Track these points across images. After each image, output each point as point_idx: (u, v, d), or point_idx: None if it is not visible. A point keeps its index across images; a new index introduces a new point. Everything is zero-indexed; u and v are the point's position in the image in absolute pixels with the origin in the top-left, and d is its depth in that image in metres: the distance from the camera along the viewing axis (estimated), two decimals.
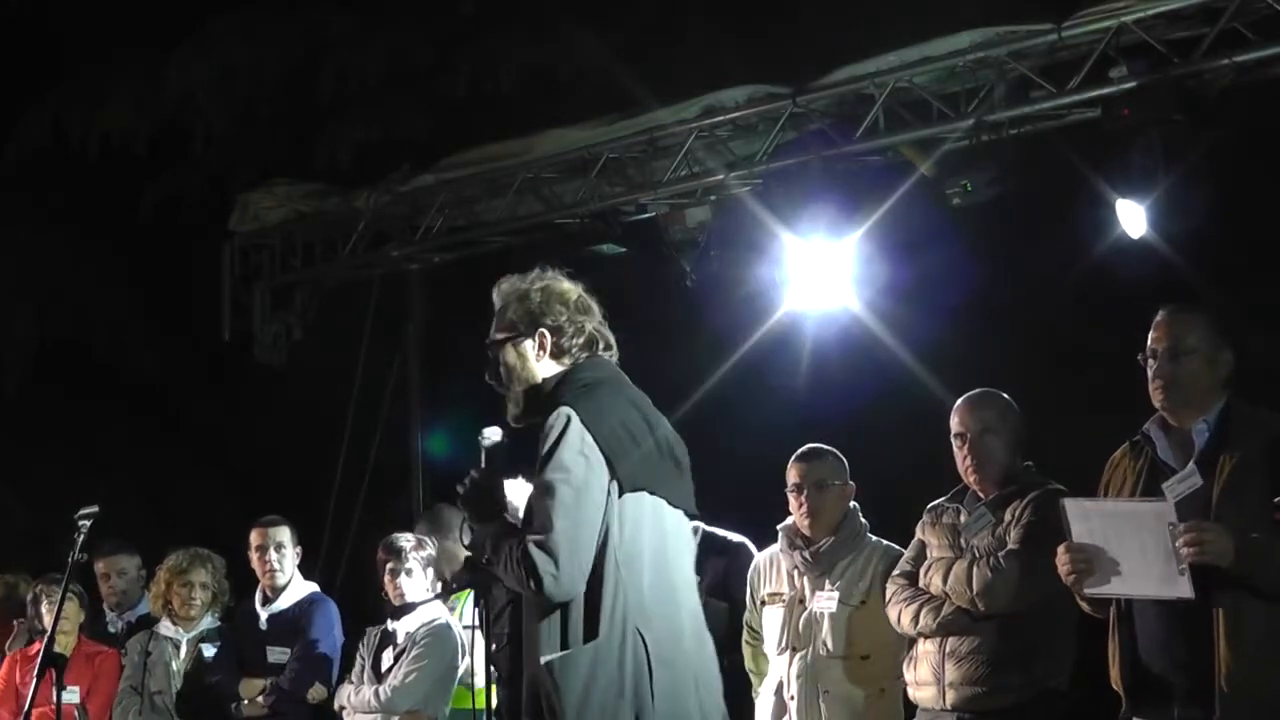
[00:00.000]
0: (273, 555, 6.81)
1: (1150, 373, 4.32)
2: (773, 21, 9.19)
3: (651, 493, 3.92)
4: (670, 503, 3.99)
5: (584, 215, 8.14)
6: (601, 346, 4.10)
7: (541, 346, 4.09)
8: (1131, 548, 4.09)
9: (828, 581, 5.54)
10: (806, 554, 5.59)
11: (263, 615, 6.83)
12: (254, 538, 6.87)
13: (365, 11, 10.77)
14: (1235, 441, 4.17)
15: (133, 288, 12.06)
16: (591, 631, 3.80)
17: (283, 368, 9.50)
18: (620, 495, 3.85)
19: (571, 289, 4.14)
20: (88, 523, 6.33)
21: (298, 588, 6.89)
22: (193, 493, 11.62)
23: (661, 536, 3.94)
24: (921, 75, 7.10)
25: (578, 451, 3.83)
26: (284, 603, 6.82)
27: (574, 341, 4.06)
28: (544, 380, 4.07)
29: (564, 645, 3.81)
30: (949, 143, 7.09)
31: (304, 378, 9.65)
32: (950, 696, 5.07)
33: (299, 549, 6.97)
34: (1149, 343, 4.35)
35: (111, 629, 7.58)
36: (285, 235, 9.38)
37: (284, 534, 6.88)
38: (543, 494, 3.82)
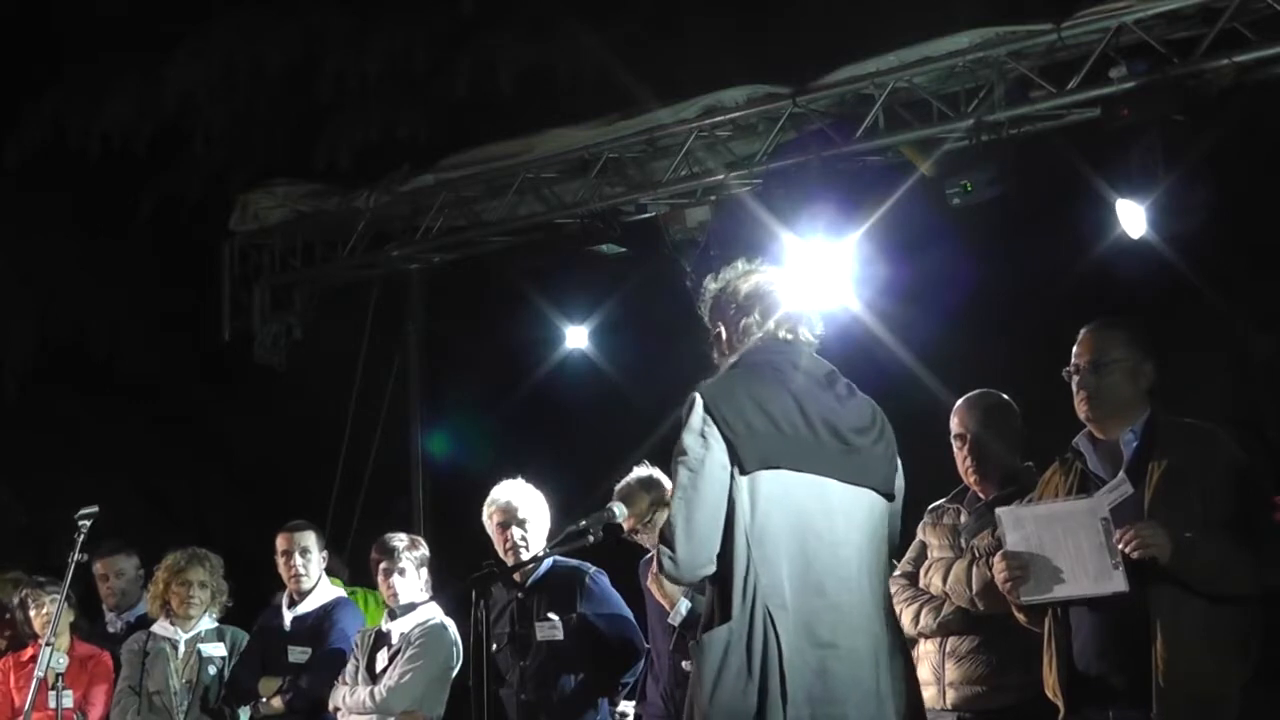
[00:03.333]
0: (298, 560, 6.81)
1: (1074, 386, 4.45)
2: (773, 21, 9.19)
3: (797, 469, 3.90)
4: (841, 479, 3.96)
5: (584, 215, 8.14)
6: (784, 332, 4.09)
7: (719, 345, 4.17)
8: (1066, 548, 4.22)
9: None
10: None
11: (287, 617, 6.84)
12: (280, 542, 6.87)
13: (365, 11, 10.77)
14: (1162, 449, 4.31)
15: (133, 288, 12.06)
16: (726, 612, 3.82)
17: (283, 368, 9.50)
18: (746, 473, 3.85)
19: (752, 281, 4.16)
20: (88, 523, 6.34)
21: (323, 591, 6.89)
22: (192, 493, 11.62)
23: (818, 514, 3.92)
24: (921, 75, 7.11)
25: (697, 433, 3.87)
26: (308, 606, 6.82)
27: (747, 333, 4.10)
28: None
29: (707, 628, 3.86)
30: (949, 143, 7.09)
31: (304, 378, 9.65)
32: (950, 696, 5.07)
33: (325, 553, 6.97)
34: (1073, 358, 4.48)
35: (111, 629, 7.57)
36: (285, 235, 9.39)
37: (310, 539, 6.88)
38: (671, 479, 3.90)
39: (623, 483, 5.63)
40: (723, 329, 4.15)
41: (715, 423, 3.86)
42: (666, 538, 3.84)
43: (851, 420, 4.02)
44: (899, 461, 4.13)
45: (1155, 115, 6.39)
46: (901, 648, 4.04)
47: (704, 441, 3.85)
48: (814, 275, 7.40)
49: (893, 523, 4.13)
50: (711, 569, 3.84)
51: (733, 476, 3.85)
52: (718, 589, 3.86)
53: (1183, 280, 7.19)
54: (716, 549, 3.83)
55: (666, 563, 3.84)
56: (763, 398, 3.92)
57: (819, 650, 3.82)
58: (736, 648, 3.80)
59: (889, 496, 4.06)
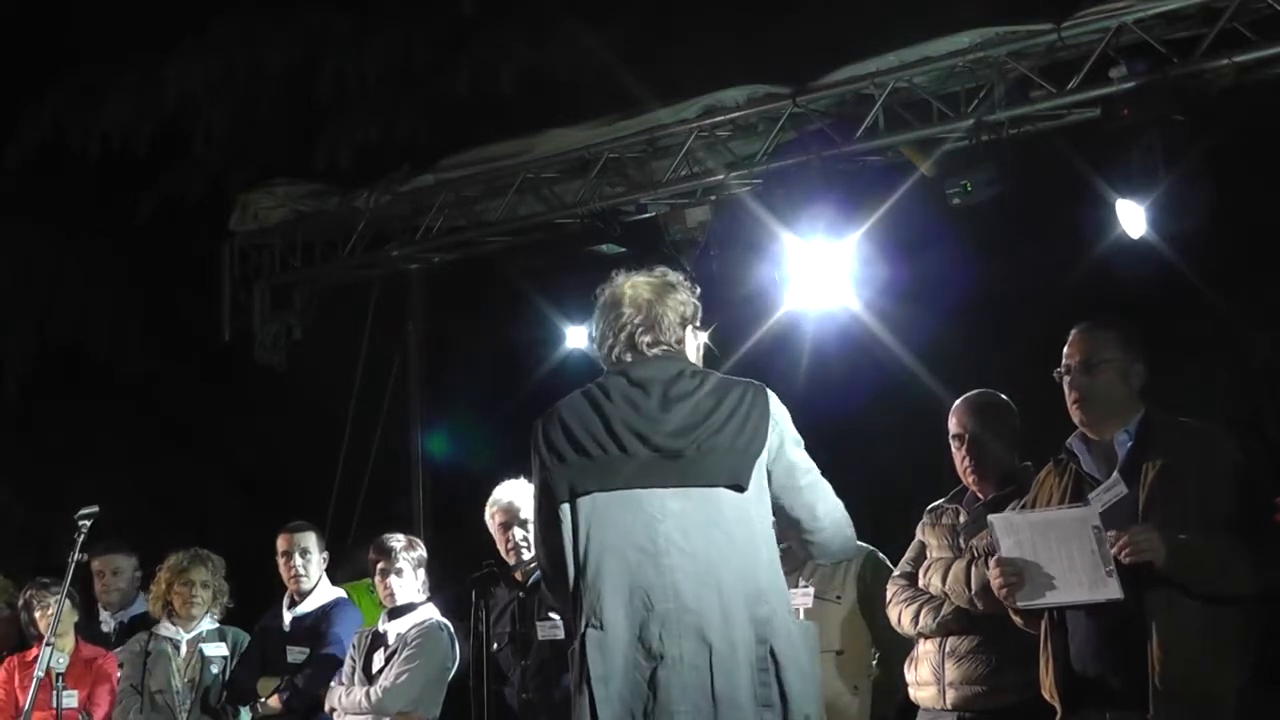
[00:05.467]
0: (298, 560, 6.82)
1: (1066, 388, 4.46)
2: (773, 21, 9.19)
3: (611, 489, 3.93)
4: (663, 486, 3.92)
5: (584, 215, 8.14)
6: (632, 347, 4.05)
7: (602, 358, 4.16)
8: (1059, 556, 4.23)
9: (801, 579, 5.54)
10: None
11: (287, 618, 6.85)
12: (280, 543, 6.88)
13: (365, 11, 10.78)
14: (1156, 449, 4.31)
15: (133, 288, 12.07)
16: None
17: (283, 368, 9.50)
18: (562, 502, 3.97)
19: (615, 292, 4.12)
20: (88, 523, 6.35)
21: (323, 592, 6.90)
22: (193, 493, 11.63)
23: (636, 528, 3.91)
24: (921, 75, 7.11)
25: (532, 470, 4.09)
26: (308, 606, 6.83)
27: (610, 348, 4.10)
28: None
29: None
30: (949, 143, 7.09)
31: (304, 378, 9.65)
32: (950, 696, 5.07)
33: (325, 554, 6.98)
34: (1063, 359, 4.49)
35: (105, 628, 7.57)
36: (285, 235, 9.38)
37: (310, 539, 6.89)
38: None
39: None
40: (595, 346, 4.17)
41: (535, 458, 4.03)
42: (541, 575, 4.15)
43: (672, 424, 3.95)
44: (768, 441, 3.96)
45: (1155, 115, 6.38)
46: (765, 641, 3.89)
47: (535, 478, 4.07)
48: (814, 275, 7.42)
49: (758, 510, 3.98)
50: (565, 593, 4.00)
51: (556, 510, 3.98)
52: None
53: (1183, 280, 7.19)
54: (565, 578, 3.98)
55: (545, 589, 4.20)
56: (572, 425, 3.99)
57: (650, 662, 3.85)
58: (570, 671, 3.97)
59: (738, 488, 3.94)
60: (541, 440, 4.00)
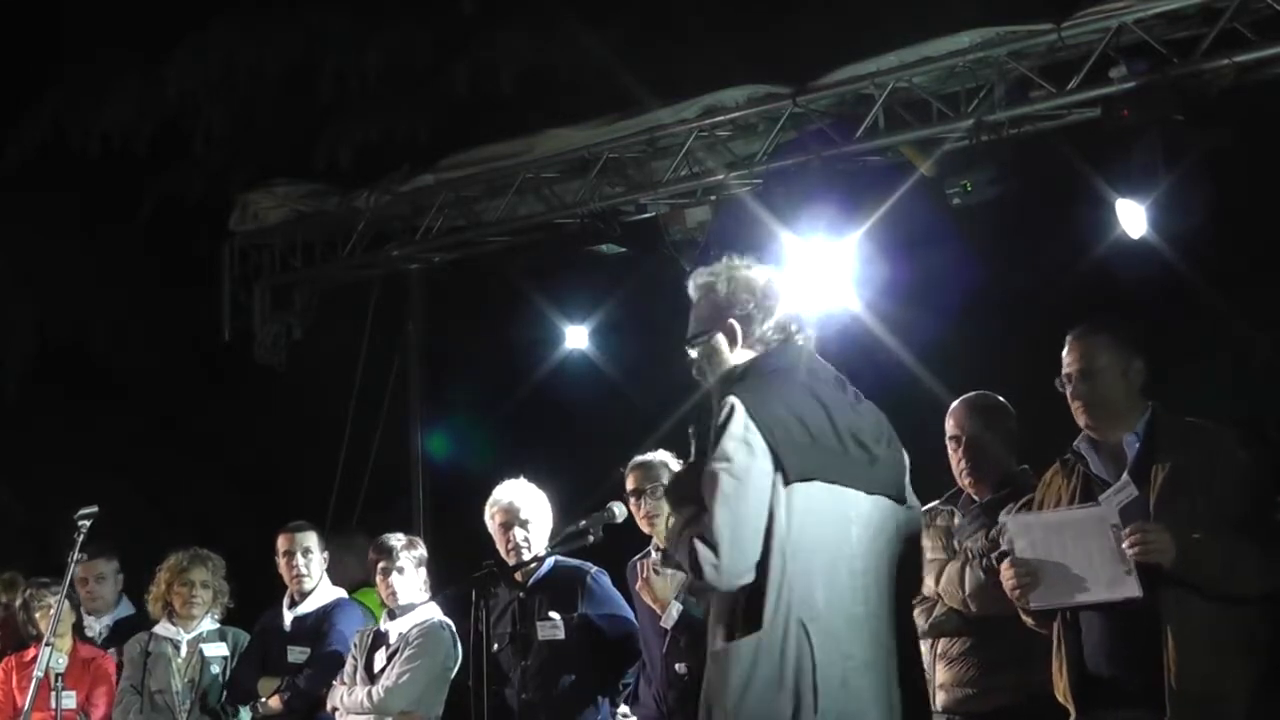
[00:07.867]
0: (300, 560, 6.82)
1: (1069, 396, 4.47)
2: (773, 21, 9.19)
3: (829, 481, 3.85)
4: (862, 489, 3.91)
5: (584, 215, 8.14)
6: (794, 330, 4.05)
7: (731, 338, 4.05)
8: (1076, 556, 4.23)
9: None
10: None
11: (288, 617, 6.86)
12: (281, 543, 6.88)
13: (365, 11, 10.77)
14: (1165, 450, 4.32)
15: (133, 288, 12.05)
16: (756, 622, 3.77)
17: (283, 368, 9.50)
18: (787, 484, 3.80)
19: (758, 274, 4.10)
20: (88, 523, 6.35)
21: (324, 592, 6.91)
22: (193, 493, 11.61)
23: (844, 525, 3.87)
24: (921, 75, 7.11)
25: (740, 440, 3.79)
26: (309, 606, 6.84)
27: (764, 329, 4.03)
28: (733, 368, 4.04)
29: (730, 636, 3.82)
30: (949, 143, 7.09)
31: (304, 378, 9.65)
32: (941, 698, 5.07)
33: (326, 554, 6.98)
34: (1063, 367, 4.50)
35: (89, 633, 7.55)
36: (285, 235, 9.39)
37: (311, 539, 6.89)
38: (707, 483, 3.80)
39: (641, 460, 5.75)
40: (736, 325, 4.05)
41: (759, 430, 3.79)
42: (710, 544, 3.74)
43: (869, 429, 3.97)
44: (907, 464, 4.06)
45: (1155, 115, 6.39)
46: (915, 659, 4.01)
47: (749, 449, 3.78)
48: (814, 275, 7.41)
49: (913, 526, 4.06)
50: (751, 577, 3.76)
51: (774, 486, 3.79)
52: (746, 598, 3.81)
53: (1183, 280, 7.19)
54: (757, 558, 3.77)
55: (709, 569, 3.74)
56: (798, 408, 3.86)
57: (843, 662, 3.79)
58: (767, 658, 3.76)
59: (901, 501, 4.01)
60: (764, 415, 3.79)
